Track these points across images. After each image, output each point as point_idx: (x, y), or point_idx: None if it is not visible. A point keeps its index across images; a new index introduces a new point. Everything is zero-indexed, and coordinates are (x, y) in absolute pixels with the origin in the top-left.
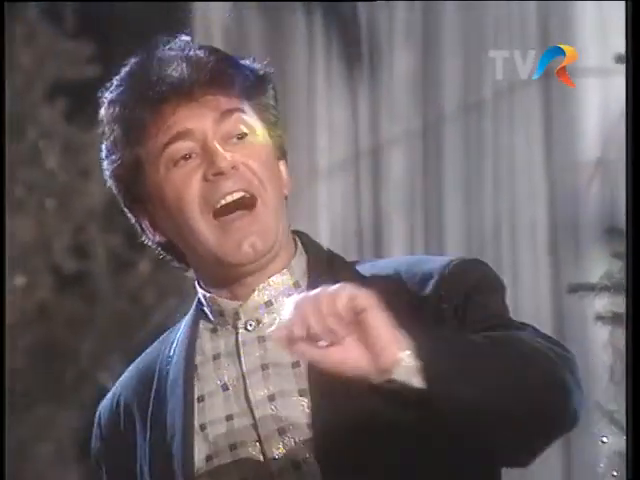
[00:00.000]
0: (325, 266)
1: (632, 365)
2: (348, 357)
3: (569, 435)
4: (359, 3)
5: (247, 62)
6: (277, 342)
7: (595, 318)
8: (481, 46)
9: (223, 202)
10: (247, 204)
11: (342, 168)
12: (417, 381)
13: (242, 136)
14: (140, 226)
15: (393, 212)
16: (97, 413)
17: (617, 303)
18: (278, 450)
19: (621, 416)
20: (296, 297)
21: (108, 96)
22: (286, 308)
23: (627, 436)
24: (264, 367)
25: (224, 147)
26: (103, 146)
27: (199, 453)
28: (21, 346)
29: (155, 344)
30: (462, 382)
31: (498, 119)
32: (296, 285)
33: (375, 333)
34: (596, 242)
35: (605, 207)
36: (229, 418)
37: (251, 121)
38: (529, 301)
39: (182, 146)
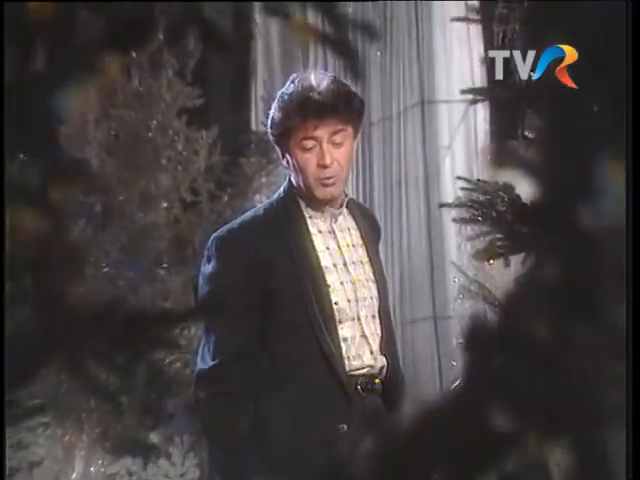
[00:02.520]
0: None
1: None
2: None
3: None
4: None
5: (356, 94)
6: None
7: (452, 220)
8: (390, 81)
9: (324, 178)
10: (334, 177)
11: None
12: None
13: (340, 142)
14: (282, 155)
15: None
16: (219, 247)
17: (461, 212)
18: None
19: (464, 268)
20: None
21: (277, 105)
22: None
23: (627, 436)
24: (353, 245)
25: (330, 147)
26: (269, 122)
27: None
28: (166, 238)
29: (252, 223)
30: None
31: (400, 126)
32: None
33: None
34: (450, 184)
35: (454, 167)
36: (331, 265)
37: (348, 136)
38: (416, 214)
39: (309, 143)
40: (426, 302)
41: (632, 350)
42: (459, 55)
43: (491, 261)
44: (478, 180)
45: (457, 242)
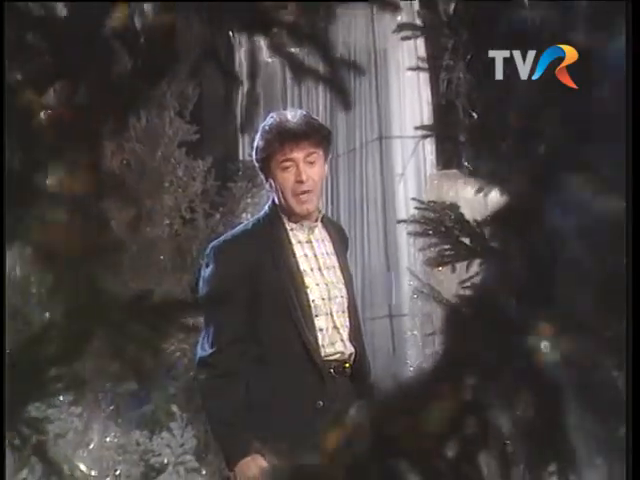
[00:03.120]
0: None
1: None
2: None
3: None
4: None
5: (324, 125)
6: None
7: (407, 233)
8: (354, 120)
9: (300, 193)
10: (309, 192)
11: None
12: None
13: (313, 162)
14: (266, 178)
15: None
16: (216, 255)
17: (415, 227)
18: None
19: (417, 273)
20: None
21: (259, 135)
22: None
23: (627, 434)
24: (327, 253)
25: (304, 166)
26: (254, 150)
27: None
28: (168, 250)
29: (243, 235)
30: None
31: (362, 157)
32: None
33: None
34: (403, 204)
35: (406, 191)
36: (309, 269)
37: (319, 157)
38: (375, 228)
39: (288, 164)
40: (384, 303)
41: (632, 349)
42: (411, 98)
43: (440, 268)
44: (429, 201)
45: (411, 252)
